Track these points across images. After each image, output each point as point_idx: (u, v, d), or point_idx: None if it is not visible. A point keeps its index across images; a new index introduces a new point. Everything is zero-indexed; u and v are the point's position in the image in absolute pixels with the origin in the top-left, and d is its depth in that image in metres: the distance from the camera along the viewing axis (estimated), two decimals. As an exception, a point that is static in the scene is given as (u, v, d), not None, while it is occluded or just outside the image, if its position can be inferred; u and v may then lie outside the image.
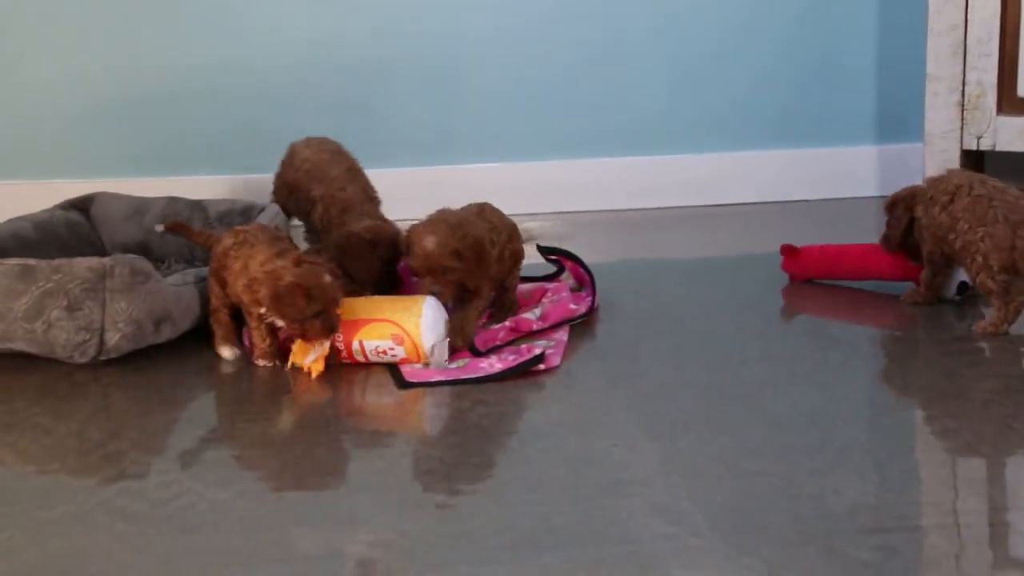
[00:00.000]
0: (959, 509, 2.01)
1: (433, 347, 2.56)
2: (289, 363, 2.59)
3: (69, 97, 3.67)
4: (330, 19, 3.68)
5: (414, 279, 2.70)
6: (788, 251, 3.08)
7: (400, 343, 2.56)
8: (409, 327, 2.55)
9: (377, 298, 2.68)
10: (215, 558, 1.90)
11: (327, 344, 2.57)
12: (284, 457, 2.27)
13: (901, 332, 2.81)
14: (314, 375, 2.56)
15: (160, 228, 2.89)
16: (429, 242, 2.60)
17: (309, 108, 3.69)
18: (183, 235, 2.87)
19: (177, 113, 3.69)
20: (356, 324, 2.58)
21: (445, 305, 2.64)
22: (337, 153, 3.12)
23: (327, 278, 2.53)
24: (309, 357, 2.57)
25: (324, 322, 2.51)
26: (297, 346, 2.59)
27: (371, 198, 3.05)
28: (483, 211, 2.77)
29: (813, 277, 3.07)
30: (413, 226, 2.67)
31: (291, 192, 3.13)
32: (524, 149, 3.76)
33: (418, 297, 2.61)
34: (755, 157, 3.84)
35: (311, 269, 2.53)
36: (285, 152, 3.19)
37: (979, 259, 2.69)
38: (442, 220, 2.66)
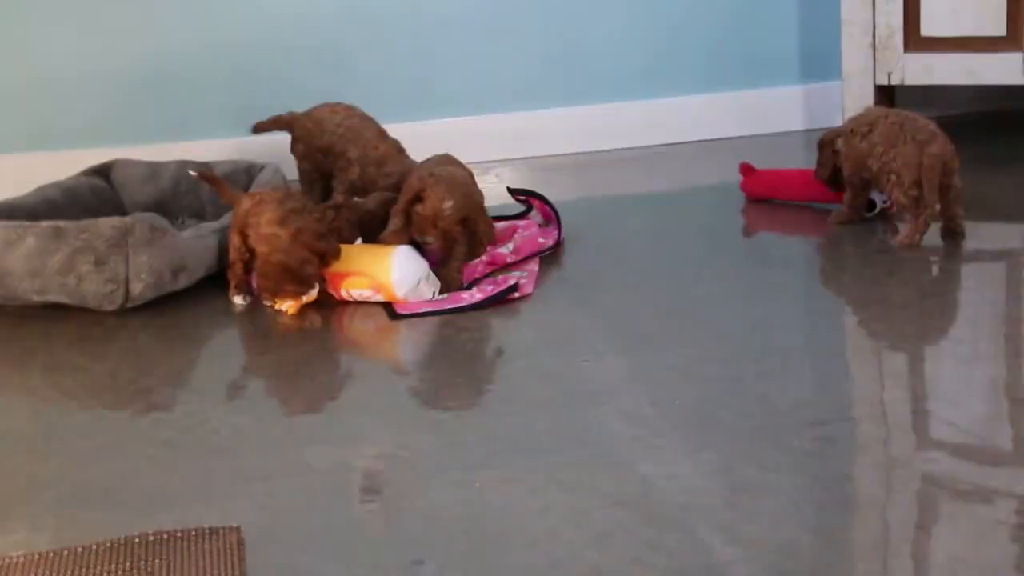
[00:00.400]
0: (885, 400, 2.03)
1: (419, 283, 2.54)
2: (279, 307, 2.59)
3: (89, 73, 3.61)
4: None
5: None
6: (746, 170, 3.11)
7: (379, 291, 2.54)
8: (383, 280, 2.53)
9: (357, 249, 2.62)
10: (238, 475, 1.90)
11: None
12: (295, 385, 2.27)
13: (831, 247, 2.81)
14: (290, 314, 2.56)
15: (193, 173, 2.87)
16: (448, 206, 2.53)
17: (295, 62, 3.63)
18: (214, 186, 2.83)
19: (183, 82, 3.64)
20: (341, 276, 2.57)
21: (426, 248, 2.61)
22: (364, 116, 3.08)
23: (309, 266, 2.53)
24: (287, 303, 2.58)
25: (295, 294, 2.54)
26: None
27: (400, 150, 3.02)
28: (452, 162, 2.74)
29: (765, 196, 3.09)
30: (428, 180, 2.58)
31: (325, 155, 3.06)
32: (486, 102, 3.72)
33: (389, 250, 2.56)
34: (691, 100, 3.80)
35: (299, 247, 2.52)
36: (302, 120, 3.13)
37: (893, 177, 2.70)
38: (456, 184, 2.59)
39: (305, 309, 2.57)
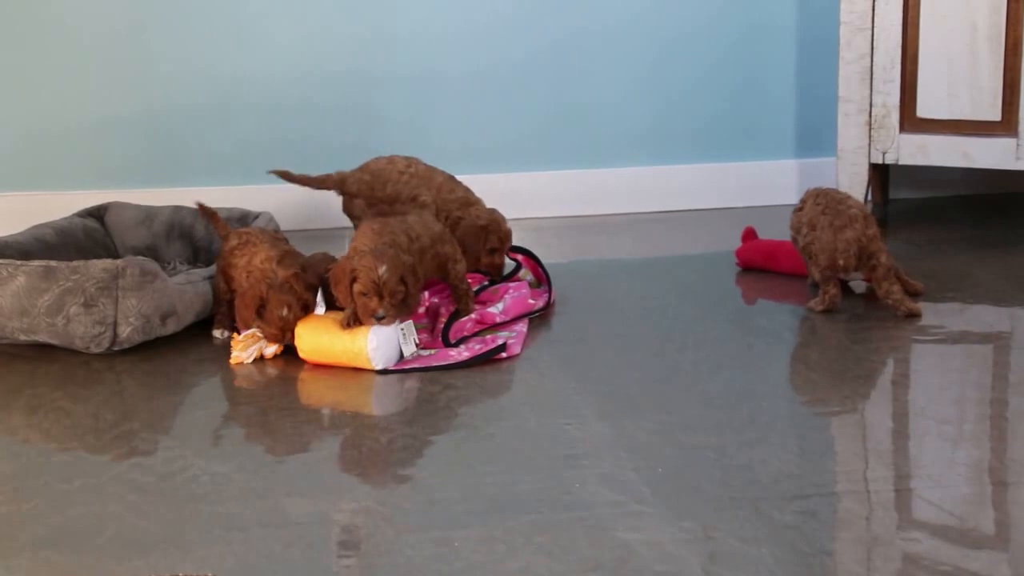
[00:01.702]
0: (869, 477, 2.02)
1: (399, 353, 2.54)
2: (232, 358, 2.58)
3: (85, 116, 3.63)
4: (320, 38, 3.66)
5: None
6: (748, 235, 3.19)
7: (359, 369, 2.54)
8: (363, 363, 2.51)
9: (325, 336, 2.54)
10: (216, 523, 1.88)
11: (262, 343, 2.60)
12: (277, 435, 2.26)
13: (818, 321, 2.81)
14: (244, 362, 2.59)
15: (196, 205, 2.94)
16: (383, 271, 2.48)
17: (299, 120, 3.66)
18: (211, 220, 2.89)
19: (181, 130, 3.66)
20: (317, 362, 2.56)
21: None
22: (428, 165, 3.12)
23: (285, 310, 2.56)
24: (247, 353, 2.58)
25: (266, 335, 2.59)
26: (233, 340, 2.61)
27: (475, 199, 3.07)
28: (407, 222, 2.72)
29: (759, 265, 3.14)
30: (358, 249, 2.56)
31: (391, 204, 3.04)
32: (482, 162, 3.74)
33: (358, 334, 2.51)
34: (687, 169, 3.83)
35: (287, 290, 2.58)
36: (356, 176, 3.10)
37: (811, 258, 2.87)
38: (387, 247, 2.56)
39: (293, 359, 2.56)
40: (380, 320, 2.50)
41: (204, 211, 2.91)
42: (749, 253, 3.13)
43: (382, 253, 2.52)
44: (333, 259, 2.70)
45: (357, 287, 2.50)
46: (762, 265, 3.11)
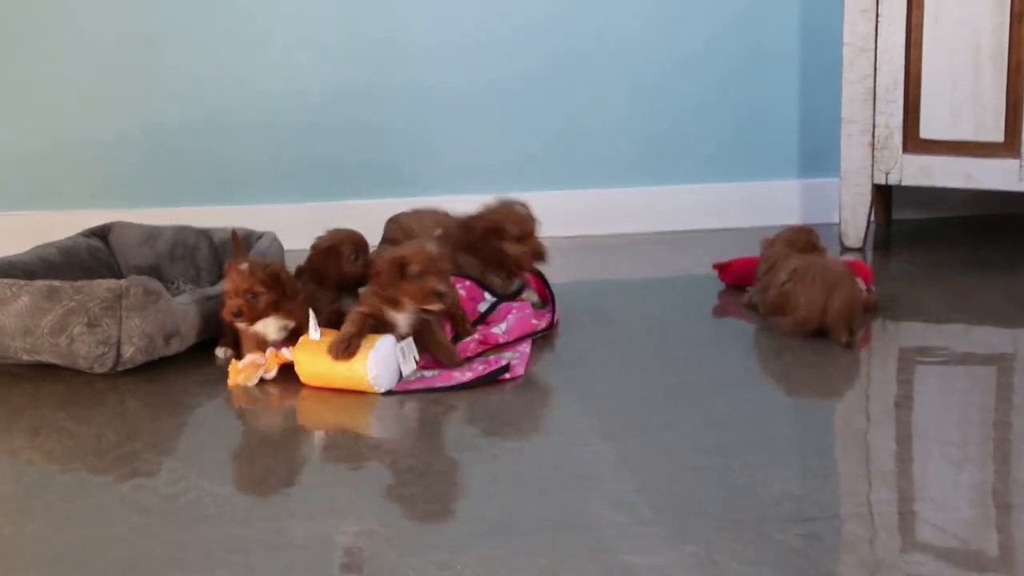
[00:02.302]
0: (872, 499, 2.01)
1: (399, 373, 2.55)
2: (230, 382, 2.58)
3: (89, 136, 3.65)
4: (324, 56, 3.67)
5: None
6: (720, 267, 3.21)
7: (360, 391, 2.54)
8: (364, 387, 2.51)
9: (323, 364, 2.52)
10: (218, 546, 1.88)
11: (262, 371, 2.59)
12: (279, 456, 2.25)
13: (824, 343, 2.81)
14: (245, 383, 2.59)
15: (232, 230, 2.93)
16: (434, 248, 2.56)
17: (306, 141, 3.67)
18: (237, 249, 2.86)
19: (185, 149, 3.67)
20: (317, 385, 2.56)
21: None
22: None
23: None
24: (252, 380, 2.58)
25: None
26: (232, 367, 2.60)
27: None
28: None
29: (740, 284, 3.15)
30: (393, 251, 2.62)
31: (475, 250, 2.92)
32: (486, 182, 3.75)
33: (356, 361, 2.48)
34: (691, 189, 3.84)
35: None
36: (420, 230, 3.05)
37: (786, 305, 2.78)
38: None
39: (295, 380, 2.56)
40: (441, 297, 2.52)
41: (236, 238, 2.88)
42: (727, 276, 3.16)
43: (424, 241, 2.58)
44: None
45: (413, 268, 2.52)
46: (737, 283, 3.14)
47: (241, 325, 2.61)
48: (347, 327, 2.52)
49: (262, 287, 2.56)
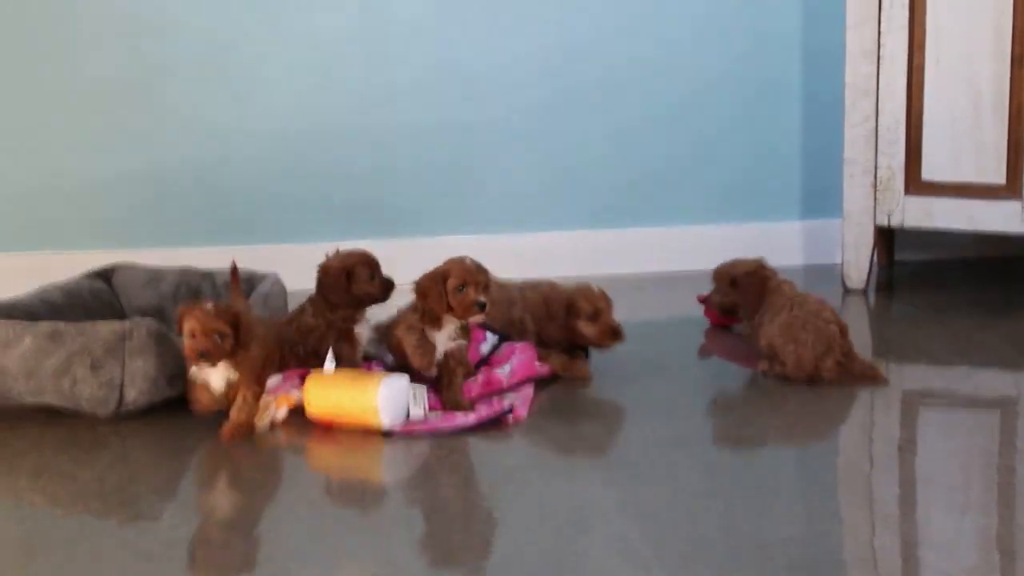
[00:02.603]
0: (876, 544, 2.01)
1: (407, 414, 2.56)
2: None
3: (92, 176, 3.66)
4: (323, 96, 3.70)
5: None
6: (703, 300, 3.23)
7: (366, 432, 2.54)
8: (371, 419, 2.52)
9: (334, 392, 2.55)
10: (221, 592, 1.88)
11: (272, 411, 2.59)
12: (283, 500, 2.26)
13: (827, 387, 2.81)
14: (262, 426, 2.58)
15: (233, 264, 2.89)
16: (473, 262, 2.60)
17: (309, 182, 3.69)
18: (234, 283, 2.86)
19: (188, 190, 3.69)
20: (326, 419, 2.56)
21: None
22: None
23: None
24: (263, 422, 2.58)
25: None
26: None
27: None
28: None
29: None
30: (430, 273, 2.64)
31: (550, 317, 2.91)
32: (486, 222, 3.76)
33: (368, 388, 2.51)
34: (694, 230, 3.85)
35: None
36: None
37: (771, 351, 2.79)
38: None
39: (301, 423, 2.57)
40: (483, 310, 2.57)
41: (234, 272, 2.87)
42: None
43: (462, 256, 2.63)
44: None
45: (452, 282, 2.57)
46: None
47: (200, 369, 2.55)
48: (410, 338, 2.62)
49: (227, 328, 2.54)
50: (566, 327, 2.86)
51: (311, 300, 2.79)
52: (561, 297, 2.89)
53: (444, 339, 2.64)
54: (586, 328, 2.83)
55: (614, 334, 2.82)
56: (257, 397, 2.57)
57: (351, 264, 2.77)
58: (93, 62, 3.62)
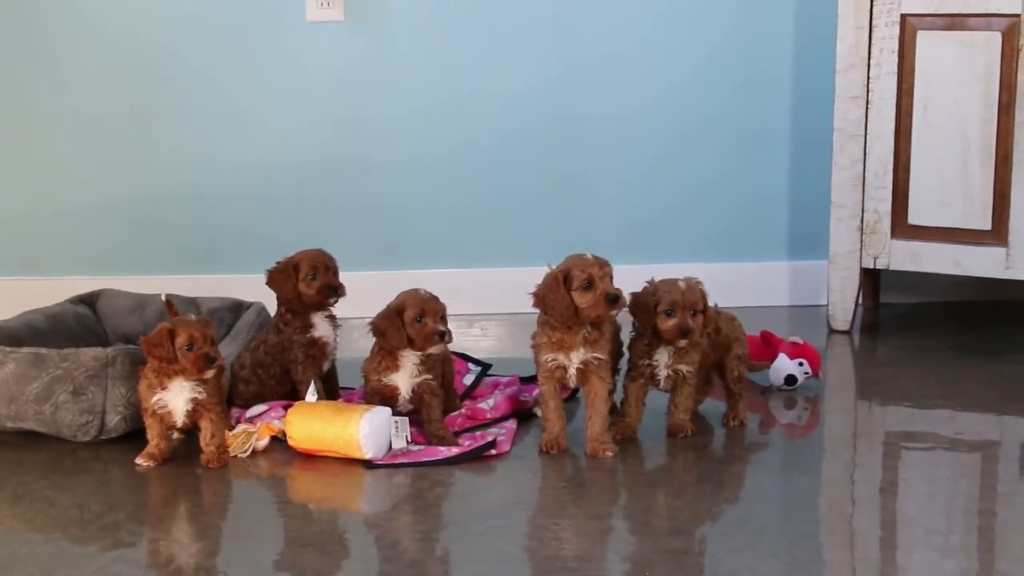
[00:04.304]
0: (857, 586, 2.03)
1: (389, 446, 2.57)
2: (232, 454, 2.58)
3: (78, 202, 3.68)
4: (313, 127, 3.72)
5: None
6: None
7: (349, 461, 2.55)
8: (353, 451, 2.53)
9: (318, 423, 2.56)
10: (200, 620, 1.88)
11: (254, 440, 2.60)
12: (264, 529, 2.26)
13: (812, 425, 2.83)
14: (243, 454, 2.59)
15: (164, 298, 2.85)
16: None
17: (292, 213, 3.71)
18: (169, 312, 2.76)
19: (175, 217, 3.70)
20: (309, 450, 2.58)
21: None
22: None
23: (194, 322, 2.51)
24: (244, 450, 2.59)
25: (196, 354, 2.49)
26: (230, 438, 2.60)
27: None
28: None
29: None
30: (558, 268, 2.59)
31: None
32: (475, 256, 3.78)
33: (351, 421, 2.52)
34: (682, 269, 3.81)
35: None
36: None
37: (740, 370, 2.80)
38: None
39: (283, 451, 2.57)
40: (442, 338, 2.57)
41: (170, 305, 2.80)
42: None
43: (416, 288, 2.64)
44: None
45: (410, 313, 2.57)
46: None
47: (158, 399, 2.52)
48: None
49: (215, 336, 2.54)
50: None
51: (275, 318, 2.81)
52: (558, 270, 2.67)
53: (407, 378, 2.64)
54: (580, 299, 2.54)
55: (610, 302, 2.52)
56: (223, 416, 2.58)
57: (297, 260, 2.76)
58: (82, 94, 3.64)
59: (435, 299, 2.61)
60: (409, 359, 2.62)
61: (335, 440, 2.53)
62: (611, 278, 2.53)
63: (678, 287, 2.60)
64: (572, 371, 2.57)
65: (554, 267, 2.57)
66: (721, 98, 3.79)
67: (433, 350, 2.61)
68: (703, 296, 2.62)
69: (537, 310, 2.58)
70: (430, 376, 2.64)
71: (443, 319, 2.60)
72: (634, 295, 2.62)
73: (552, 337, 2.55)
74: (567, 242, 3.78)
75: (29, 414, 2.61)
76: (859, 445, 2.70)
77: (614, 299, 2.50)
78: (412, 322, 2.57)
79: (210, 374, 2.50)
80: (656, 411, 2.71)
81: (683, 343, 2.58)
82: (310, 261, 2.75)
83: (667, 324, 2.58)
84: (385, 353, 2.63)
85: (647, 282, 2.64)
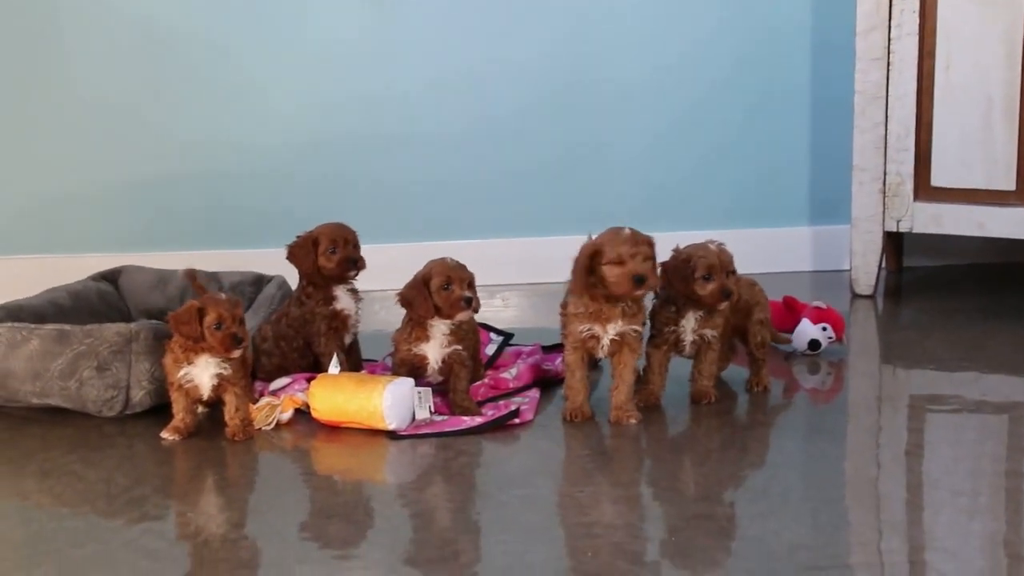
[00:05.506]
0: (883, 548, 2.02)
1: (413, 416, 2.58)
2: (257, 427, 2.59)
3: (99, 180, 3.69)
4: (323, 105, 3.72)
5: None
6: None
7: (373, 432, 2.56)
8: (377, 422, 2.54)
9: (340, 395, 2.56)
10: (227, 591, 1.90)
11: (278, 412, 2.61)
12: (289, 500, 2.27)
13: (833, 391, 2.83)
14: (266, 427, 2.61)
15: (185, 271, 2.84)
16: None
17: (311, 187, 3.72)
18: (193, 285, 2.75)
19: (196, 194, 3.71)
20: (333, 422, 2.58)
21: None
22: None
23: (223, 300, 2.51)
24: (268, 422, 2.60)
25: (224, 333, 2.49)
26: (254, 411, 2.61)
27: None
28: None
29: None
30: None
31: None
32: (496, 227, 3.78)
33: (374, 392, 2.53)
34: (703, 236, 3.83)
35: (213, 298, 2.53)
36: None
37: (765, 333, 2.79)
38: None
39: (307, 423, 2.58)
40: (470, 305, 2.57)
41: (192, 279, 2.75)
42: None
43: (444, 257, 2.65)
44: None
45: (436, 281, 2.58)
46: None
47: (185, 373, 2.53)
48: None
49: (243, 315, 2.54)
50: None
51: (296, 291, 2.81)
52: (592, 244, 2.61)
53: (437, 348, 2.65)
54: (609, 273, 2.50)
55: (636, 282, 2.48)
56: (248, 390, 2.59)
57: (317, 234, 2.77)
58: (102, 73, 3.65)
59: (462, 267, 2.61)
60: (439, 329, 2.63)
61: (359, 411, 2.53)
62: (646, 257, 2.50)
63: (711, 250, 2.59)
64: (605, 342, 2.56)
65: (594, 237, 2.56)
66: (739, 61, 3.77)
67: (460, 316, 2.60)
68: (732, 257, 2.61)
69: (568, 279, 2.58)
70: (460, 347, 2.65)
71: (471, 286, 2.60)
72: (665, 264, 2.60)
73: (590, 307, 2.55)
74: (585, 211, 3.80)
75: (54, 390, 2.63)
76: (884, 408, 2.70)
77: (640, 280, 2.48)
78: (439, 290, 2.58)
79: (236, 354, 2.51)
80: (679, 378, 2.71)
81: (724, 305, 2.58)
82: (329, 235, 2.76)
83: (707, 288, 2.57)
84: (415, 324, 2.63)
85: (674, 249, 2.62)
